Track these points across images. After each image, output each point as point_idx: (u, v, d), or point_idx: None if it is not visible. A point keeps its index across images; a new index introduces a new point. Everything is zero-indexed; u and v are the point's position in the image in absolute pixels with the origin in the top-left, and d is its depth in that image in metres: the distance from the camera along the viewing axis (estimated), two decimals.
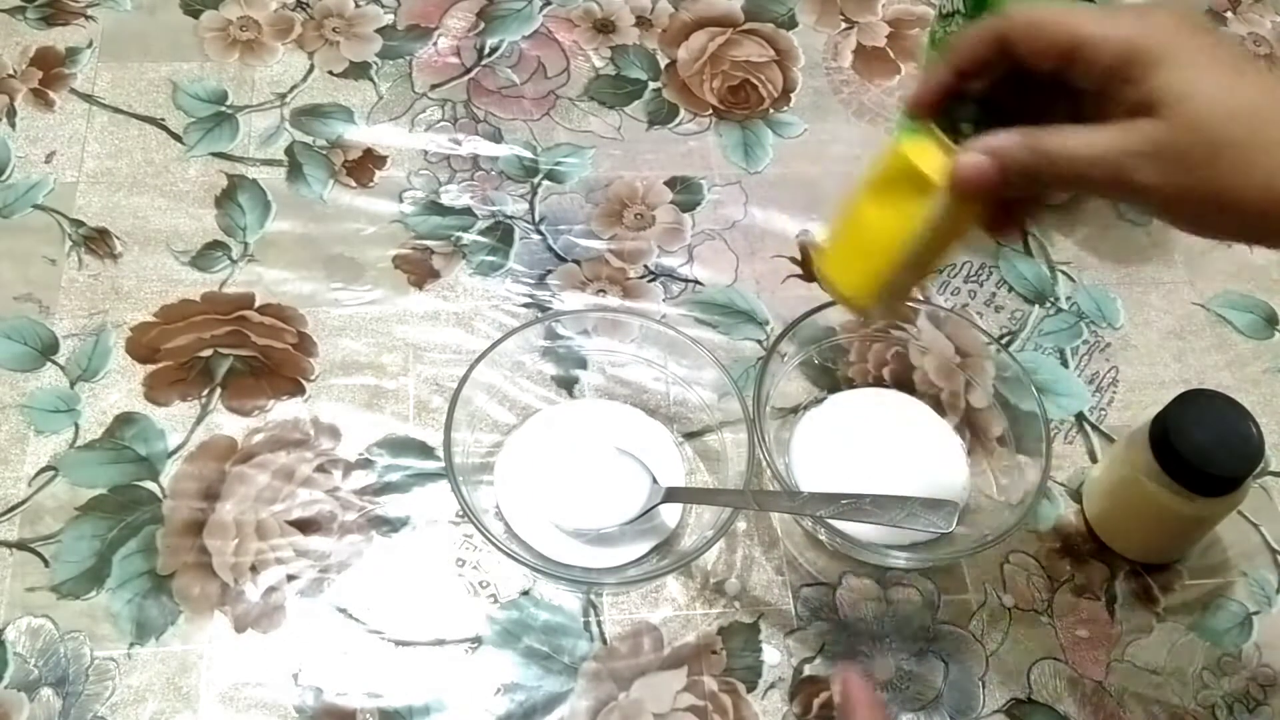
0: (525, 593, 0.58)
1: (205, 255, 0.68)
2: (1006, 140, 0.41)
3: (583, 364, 0.65)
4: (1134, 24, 0.39)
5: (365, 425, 0.62)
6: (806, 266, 0.71)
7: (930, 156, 0.43)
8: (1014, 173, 0.41)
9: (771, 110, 0.79)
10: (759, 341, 0.68)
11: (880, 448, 0.63)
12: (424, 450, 0.62)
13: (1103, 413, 0.67)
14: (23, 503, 0.58)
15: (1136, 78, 0.38)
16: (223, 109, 0.74)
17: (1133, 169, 0.38)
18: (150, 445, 0.60)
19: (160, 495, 0.59)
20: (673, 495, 0.58)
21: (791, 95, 0.80)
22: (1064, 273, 0.73)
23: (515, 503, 0.59)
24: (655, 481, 0.58)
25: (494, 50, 0.80)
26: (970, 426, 0.64)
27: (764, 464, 0.58)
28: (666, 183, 0.74)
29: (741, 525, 0.61)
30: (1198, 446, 0.54)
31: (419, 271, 0.69)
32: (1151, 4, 0.41)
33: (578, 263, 0.70)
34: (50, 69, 0.75)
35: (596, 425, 0.62)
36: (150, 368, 0.63)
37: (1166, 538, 0.60)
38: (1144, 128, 0.38)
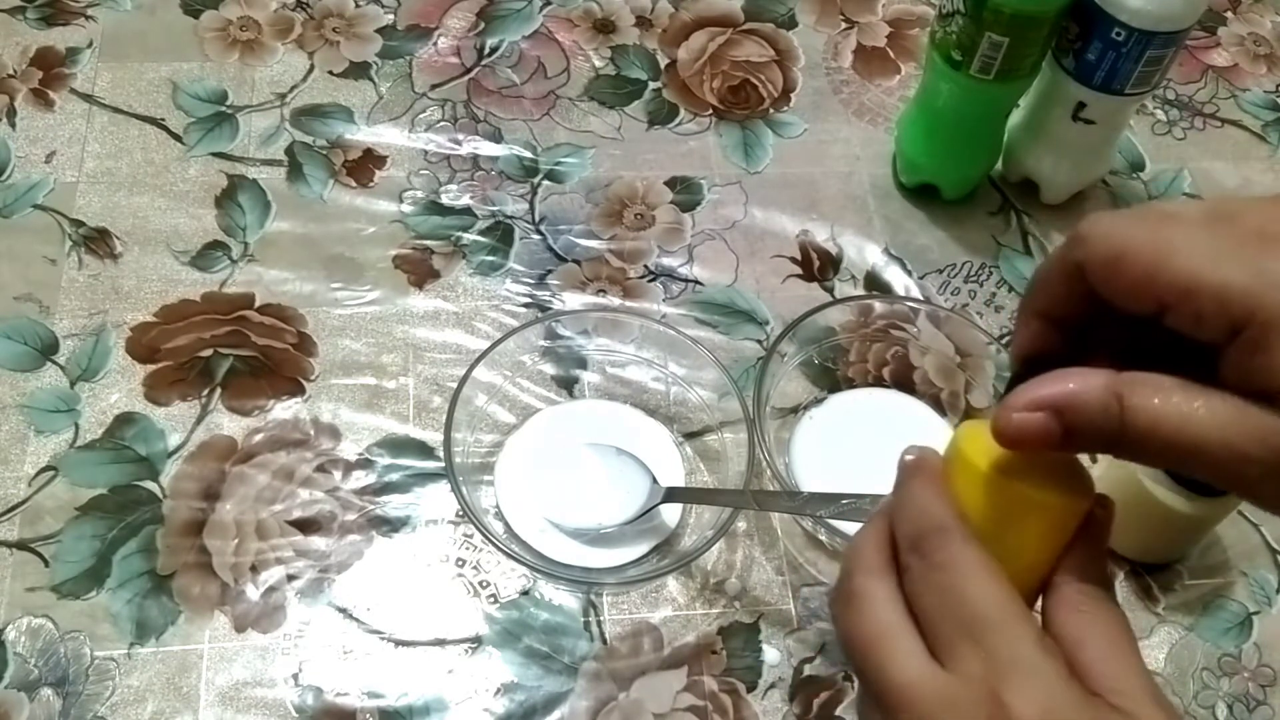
0: (525, 593, 0.58)
1: (205, 255, 0.68)
2: (1084, 390, 0.29)
3: (583, 364, 0.65)
4: (1254, 262, 0.27)
5: (365, 425, 0.62)
6: (806, 266, 0.71)
7: (981, 442, 0.33)
8: (1084, 436, 0.30)
9: (771, 110, 0.79)
10: (759, 341, 0.68)
11: (880, 448, 0.63)
12: (424, 450, 0.62)
13: None
14: (23, 503, 0.58)
15: (1259, 347, 0.27)
16: (223, 109, 0.74)
17: (1249, 476, 0.28)
18: (150, 445, 0.60)
19: (160, 495, 0.59)
20: (673, 495, 0.58)
21: (791, 95, 0.80)
22: None
23: (515, 503, 0.59)
24: (655, 481, 0.58)
25: (494, 50, 0.80)
26: None
27: (764, 464, 0.58)
28: (666, 183, 0.74)
29: (741, 525, 0.61)
30: None
31: (419, 271, 0.69)
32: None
33: (578, 263, 0.70)
34: (50, 69, 0.75)
35: (596, 425, 0.62)
36: (150, 368, 0.63)
37: (1166, 538, 0.60)
38: (1265, 423, 0.27)
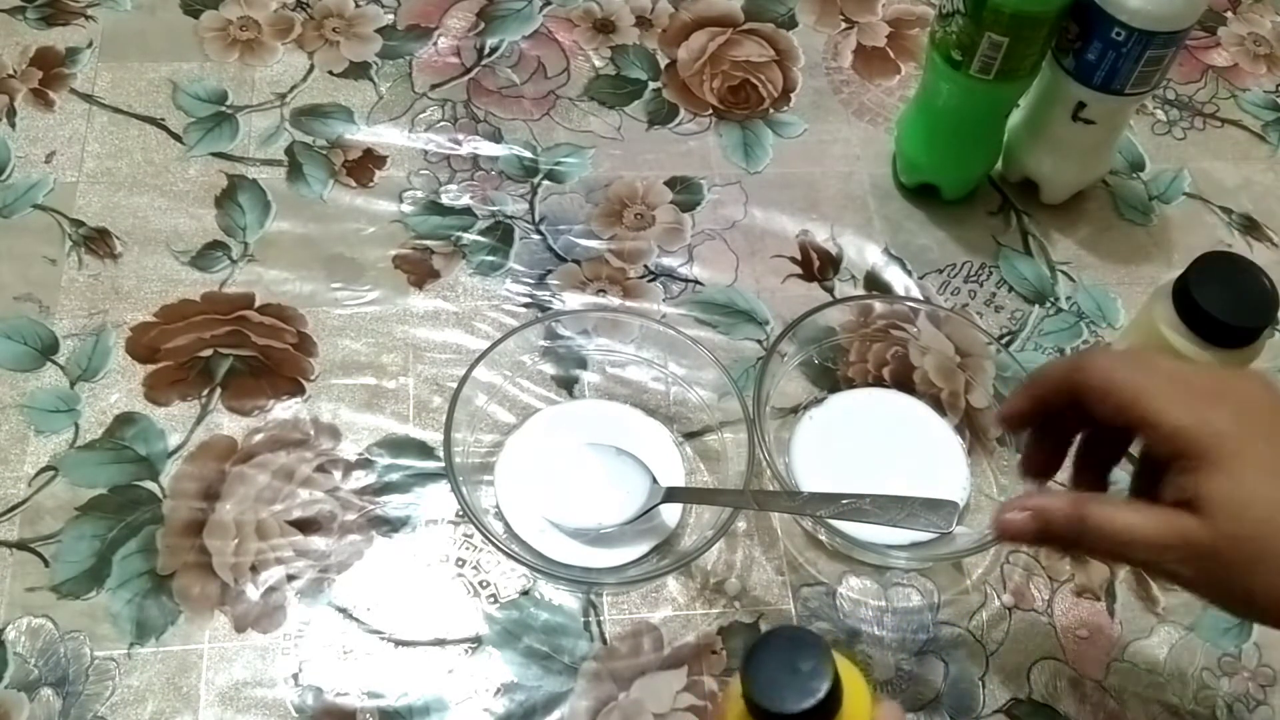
0: (525, 593, 0.58)
1: (205, 255, 0.68)
2: (1055, 504, 0.42)
3: (583, 364, 0.65)
4: (1198, 412, 0.39)
5: (365, 425, 0.62)
6: (806, 266, 0.71)
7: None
8: (1054, 535, 0.42)
9: (771, 110, 0.79)
10: (759, 341, 0.68)
11: (880, 448, 0.63)
12: (424, 450, 0.62)
13: None
14: (23, 503, 0.58)
15: (1189, 470, 0.39)
16: (223, 109, 0.74)
17: (1169, 560, 0.39)
18: (150, 445, 0.60)
19: (160, 495, 0.59)
20: (673, 495, 0.58)
21: (791, 95, 0.80)
22: (1064, 273, 0.73)
23: (515, 503, 0.59)
24: (655, 481, 0.58)
25: (494, 50, 0.80)
26: (970, 426, 0.64)
27: (764, 464, 0.58)
28: (666, 183, 0.74)
29: (741, 525, 0.61)
30: (1217, 300, 0.57)
31: (419, 271, 0.69)
32: (1235, 376, 0.41)
33: (578, 263, 0.70)
34: (50, 69, 0.75)
35: (596, 425, 0.62)
36: (150, 368, 0.63)
37: None
38: (1187, 524, 0.38)
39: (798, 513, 0.58)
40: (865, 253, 0.72)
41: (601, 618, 0.57)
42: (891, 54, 0.84)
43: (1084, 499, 0.42)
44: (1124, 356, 0.42)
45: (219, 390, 0.63)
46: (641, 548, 0.58)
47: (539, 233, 0.71)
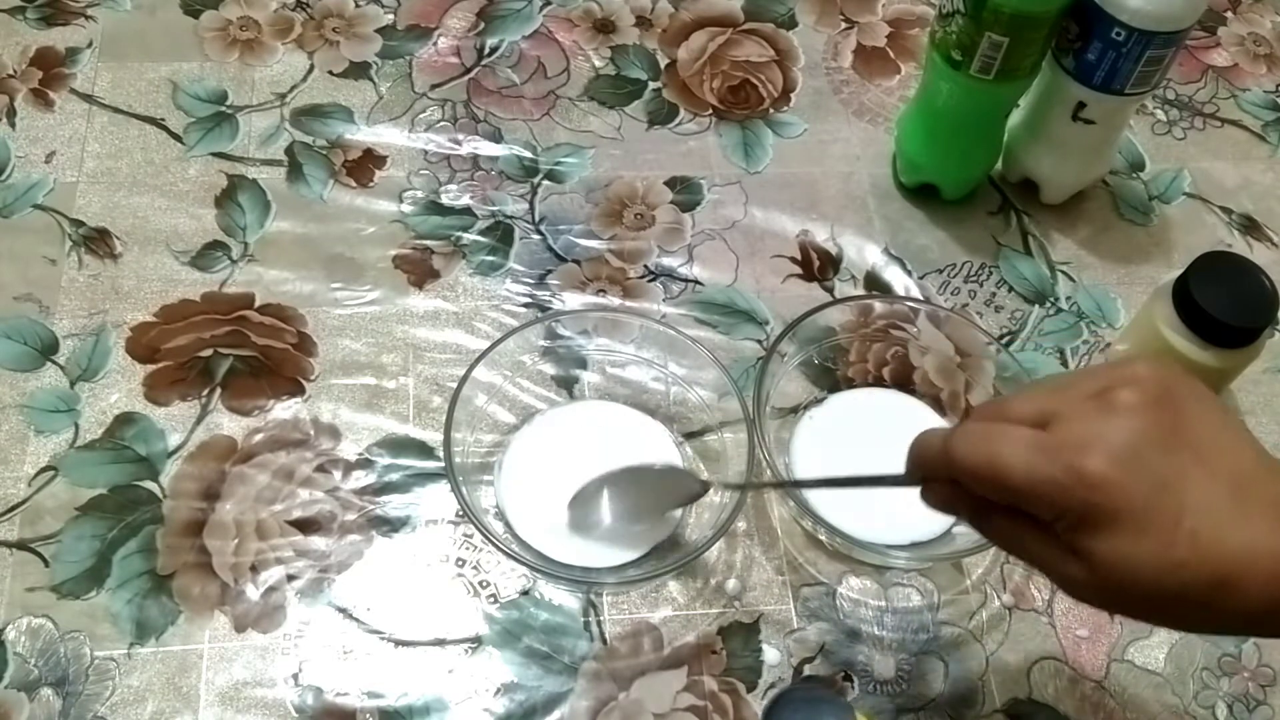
0: (525, 593, 0.58)
1: (205, 255, 0.68)
2: (929, 437, 0.44)
3: (583, 364, 0.65)
4: (1066, 476, 0.37)
5: (365, 425, 0.62)
6: (806, 266, 0.71)
7: None
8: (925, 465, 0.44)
9: (771, 110, 0.79)
10: (759, 341, 0.68)
11: (880, 448, 0.63)
12: (424, 450, 0.62)
13: None
14: (23, 503, 0.58)
15: (1070, 529, 0.37)
16: (223, 109, 0.74)
17: (1054, 582, 0.40)
18: (150, 445, 0.60)
19: (160, 495, 0.59)
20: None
21: (791, 95, 0.80)
22: (1064, 273, 0.73)
23: (515, 503, 0.59)
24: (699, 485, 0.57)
25: (494, 50, 0.80)
26: None
27: (764, 464, 0.58)
28: (666, 183, 0.74)
29: (741, 525, 0.61)
30: (1217, 300, 0.58)
31: (419, 271, 0.69)
32: (1105, 404, 0.38)
33: (578, 263, 0.70)
34: (50, 69, 0.75)
35: (596, 425, 0.62)
36: (150, 368, 0.63)
37: None
38: (1072, 570, 0.38)
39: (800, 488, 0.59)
40: (865, 253, 0.72)
41: (601, 618, 0.57)
42: (891, 54, 0.84)
43: (952, 430, 0.41)
44: (980, 430, 0.40)
45: (219, 390, 0.63)
46: (642, 548, 0.58)
47: (539, 233, 0.71)
